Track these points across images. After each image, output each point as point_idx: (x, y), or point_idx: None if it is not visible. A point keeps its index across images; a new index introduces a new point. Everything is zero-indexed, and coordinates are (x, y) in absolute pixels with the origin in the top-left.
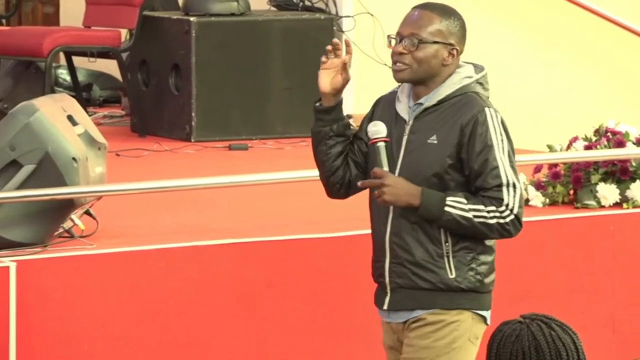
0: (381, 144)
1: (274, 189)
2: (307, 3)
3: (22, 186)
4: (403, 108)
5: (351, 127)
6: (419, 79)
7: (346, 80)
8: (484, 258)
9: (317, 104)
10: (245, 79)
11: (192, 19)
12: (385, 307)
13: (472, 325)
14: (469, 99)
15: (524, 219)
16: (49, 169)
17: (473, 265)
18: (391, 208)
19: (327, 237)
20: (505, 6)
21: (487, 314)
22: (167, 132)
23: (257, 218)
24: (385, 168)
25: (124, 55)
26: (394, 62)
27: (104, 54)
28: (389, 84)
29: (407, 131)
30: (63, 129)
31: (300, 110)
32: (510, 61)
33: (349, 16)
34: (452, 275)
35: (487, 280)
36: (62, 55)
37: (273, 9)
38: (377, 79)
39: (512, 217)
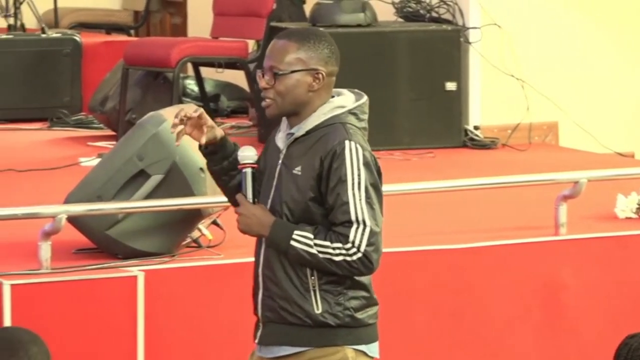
0: (247, 170)
1: (406, 200)
2: (433, 14)
3: (150, 196)
4: (280, 137)
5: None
6: (289, 112)
7: (211, 131)
8: (353, 293)
9: (203, 147)
10: (371, 90)
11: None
12: (256, 340)
13: None
14: (334, 129)
15: None
16: (177, 179)
17: (341, 300)
18: (263, 239)
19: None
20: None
21: (366, 347)
22: None
23: (403, 228)
24: (249, 195)
25: (251, 66)
26: (262, 98)
27: (231, 64)
28: (516, 96)
29: (280, 160)
30: (190, 139)
31: (426, 122)
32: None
33: (475, 27)
34: (318, 310)
35: (360, 315)
36: (189, 66)
37: (400, 20)
38: (503, 91)
39: (359, 255)
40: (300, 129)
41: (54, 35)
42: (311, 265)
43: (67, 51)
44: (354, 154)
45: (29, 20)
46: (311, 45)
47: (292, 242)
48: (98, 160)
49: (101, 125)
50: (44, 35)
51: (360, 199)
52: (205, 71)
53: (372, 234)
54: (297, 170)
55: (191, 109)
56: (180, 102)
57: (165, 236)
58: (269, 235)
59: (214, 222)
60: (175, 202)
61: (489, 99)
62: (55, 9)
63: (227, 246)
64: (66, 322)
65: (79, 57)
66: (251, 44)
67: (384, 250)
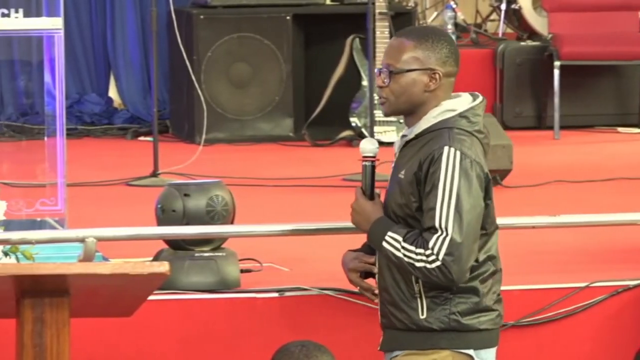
0: (367, 164)
1: None
2: None
3: None
4: (397, 141)
5: None
6: (403, 110)
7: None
8: (461, 298)
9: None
10: None
11: None
12: (379, 347)
13: None
14: (439, 135)
15: None
16: None
17: (447, 306)
18: None
19: None
20: None
21: (474, 353)
22: None
23: None
24: (366, 189)
25: None
26: (378, 96)
27: None
28: None
29: (393, 164)
30: None
31: None
32: None
33: None
34: (422, 315)
35: (467, 319)
36: None
37: None
38: None
39: (437, 263)
40: (411, 133)
41: None
42: (399, 267)
43: None
44: (451, 161)
45: None
46: (429, 44)
47: (384, 243)
48: None
49: None
50: None
51: (448, 207)
52: None
53: (453, 243)
54: (402, 174)
55: (357, 277)
56: None
57: None
58: (368, 232)
59: None
60: None
61: None
62: None
63: None
64: None
65: None
66: None
67: None
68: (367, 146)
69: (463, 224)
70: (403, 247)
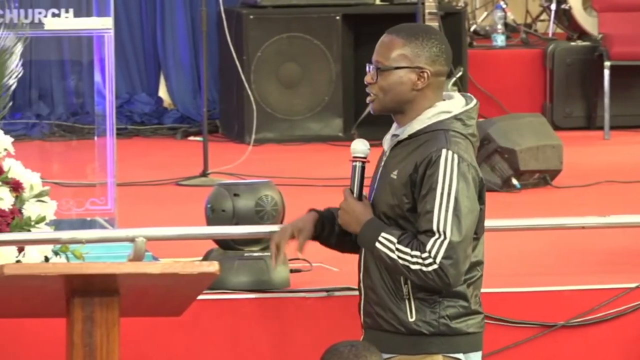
0: (357, 164)
1: None
2: None
3: None
4: (387, 139)
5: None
6: (391, 109)
7: (304, 238)
8: (450, 302)
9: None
10: None
11: None
12: None
13: None
14: (434, 137)
15: None
16: None
17: (436, 309)
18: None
19: None
20: None
21: (464, 356)
22: None
23: None
24: (355, 190)
25: None
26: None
27: None
28: None
29: (382, 162)
30: None
31: None
32: None
33: None
34: (411, 318)
35: (456, 323)
36: None
37: None
38: None
39: (434, 266)
40: (404, 133)
41: None
42: (391, 269)
43: None
44: (449, 163)
45: None
46: (419, 42)
47: (377, 244)
48: None
49: None
50: None
51: (446, 210)
52: None
53: (451, 246)
54: (394, 174)
55: (284, 235)
56: None
57: None
58: (359, 233)
59: None
60: None
61: None
62: None
63: None
64: None
65: None
66: None
67: None
68: (359, 147)
69: (462, 227)
70: (397, 249)
